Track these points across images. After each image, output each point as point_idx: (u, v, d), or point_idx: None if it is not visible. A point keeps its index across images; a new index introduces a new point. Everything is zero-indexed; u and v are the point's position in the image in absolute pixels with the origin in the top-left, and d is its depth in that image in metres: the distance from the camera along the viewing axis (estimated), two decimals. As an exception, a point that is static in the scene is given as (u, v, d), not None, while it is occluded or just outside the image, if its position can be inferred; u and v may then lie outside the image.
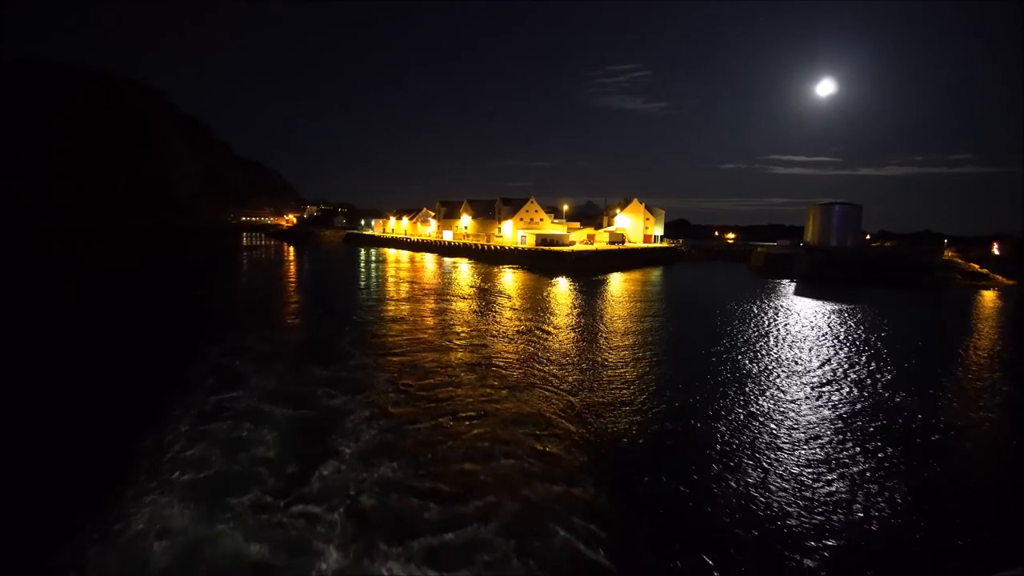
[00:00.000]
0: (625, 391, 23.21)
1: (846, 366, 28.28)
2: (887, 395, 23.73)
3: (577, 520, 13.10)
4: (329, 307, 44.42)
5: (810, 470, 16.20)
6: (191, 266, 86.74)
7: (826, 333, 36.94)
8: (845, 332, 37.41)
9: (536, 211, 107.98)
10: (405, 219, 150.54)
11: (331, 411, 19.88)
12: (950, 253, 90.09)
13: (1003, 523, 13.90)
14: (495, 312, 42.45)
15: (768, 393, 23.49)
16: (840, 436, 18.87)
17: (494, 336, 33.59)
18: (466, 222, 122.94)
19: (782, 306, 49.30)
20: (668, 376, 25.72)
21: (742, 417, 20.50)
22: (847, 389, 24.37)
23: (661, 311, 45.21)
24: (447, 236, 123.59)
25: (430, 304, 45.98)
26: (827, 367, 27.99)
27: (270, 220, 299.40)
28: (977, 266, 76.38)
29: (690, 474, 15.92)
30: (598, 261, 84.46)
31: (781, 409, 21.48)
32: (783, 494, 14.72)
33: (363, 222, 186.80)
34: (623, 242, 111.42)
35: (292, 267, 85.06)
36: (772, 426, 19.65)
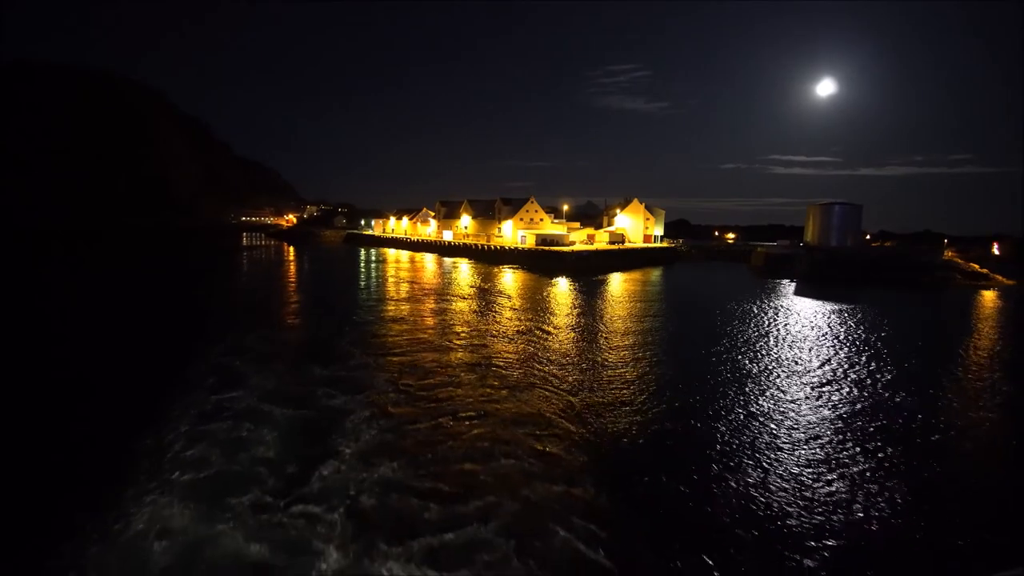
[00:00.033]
0: (625, 391, 23.22)
1: (846, 366, 28.28)
2: (887, 395, 23.73)
3: (577, 520, 13.10)
4: (329, 307, 44.42)
5: (810, 470, 16.20)
6: (191, 266, 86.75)
7: (826, 333, 36.94)
8: (845, 332, 37.41)
9: (536, 211, 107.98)
10: (405, 219, 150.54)
11: (331, 411, 19.88)
12: (950, 253, 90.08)
13: (1003, 523, 13.89)
14: (495, 312, 42.45)
15: (768, 393, 23.49)
16: (840, 436, 18.87)
17: (494, 336, 33.59)
18: (466, 222, 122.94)
19: (782, 306, 49.29)
20: (668, 376, 25.72)
21: (742, 417, 20.50)
22: (847, 389, 24.37)
23: (661, 311, 45.21)
24: (447, 236, 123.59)
25: (430, 304, 45.98)
26: (827, 367, 27.99)
27: (270, 220, 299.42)
28: (977, 266, 76.38)
29: (690, 474, 15.92)
30: (598, 261, 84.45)
31: (781, 409, 21.48)
32: (783, 494, 14.72)
33: (363, 222, 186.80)
34: (623, 242, 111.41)
35: (292, 267, 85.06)
36: (772, 426, 19.65)
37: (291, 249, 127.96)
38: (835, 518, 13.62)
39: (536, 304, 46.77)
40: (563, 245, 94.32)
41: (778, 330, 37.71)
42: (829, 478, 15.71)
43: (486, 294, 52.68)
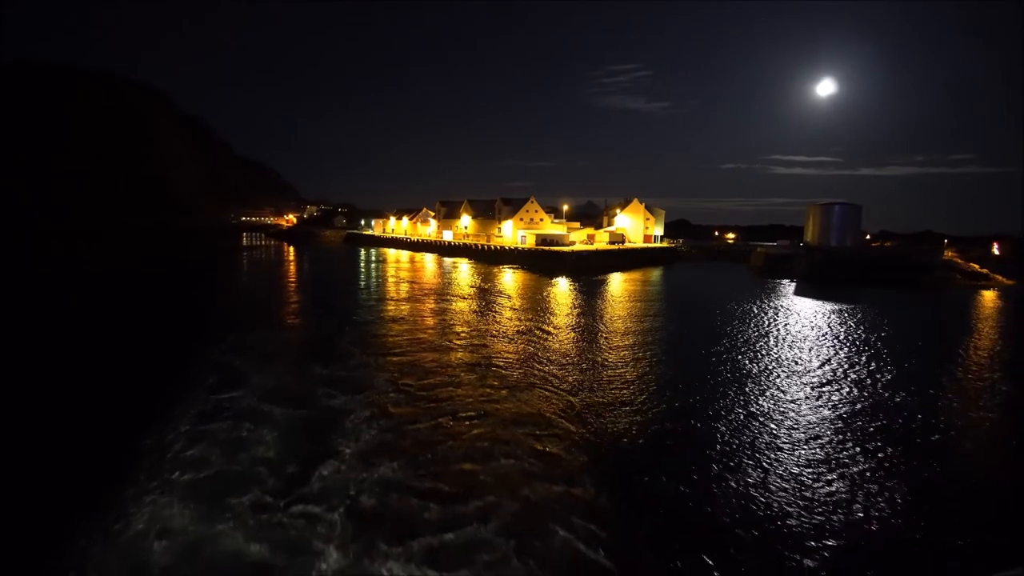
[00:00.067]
0: (625, 391, 23.22)
1: (845, 366, 28.28)
2: (887, 395, 23.73)
3: (577, 520, 13.11)
4: (329, 307, 44.43)
5: (810, 470, 16.20)
6: (191, 266, 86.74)
7: (826, 333, 36.94)
8: (845, 332, 37.41)
9: (536, 211, 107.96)
10: (405, 219, 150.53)
11: (331, 411, 19.89)
12: (950, 253, 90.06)
13: (1003, 523, 13.89)
14: (495, 312, 42.45)
15: (768, 393, 23.49)
16: (840, 436, 18.87)
17: (494, 336, 33.59)
18: (466, 222, 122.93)
19: (782, 306, 49.29)
20: (668, 376, 25.72)
21: (742, 417, 20.50)
22: (847, 389, 24.37)
23: (661, 311, 45.21)
24: (447, 236, 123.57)
25: (430, 304, 45.98)
26: (827, 367, 28.00)
27: (270, 220, 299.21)
28: (977, 266, 76.36)
29: (690, 474, 15.92)
30: (598, 261, 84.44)
31: (781, 409, 21.49)
32: (783, 494, 14.73)
33: (363, 222, 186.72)
34: (623, 242, 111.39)
35: (292, 267, 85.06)
36: (772, 426, 19.65)
37: (291, 249, 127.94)
38: (835, 518, 13.62)
39: (536, 304, 46.77)
40: (563, 245, 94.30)
41: (778, 330, 37.71)
42: (829, 478, 15.71)
43: (486, 294, 52.68)
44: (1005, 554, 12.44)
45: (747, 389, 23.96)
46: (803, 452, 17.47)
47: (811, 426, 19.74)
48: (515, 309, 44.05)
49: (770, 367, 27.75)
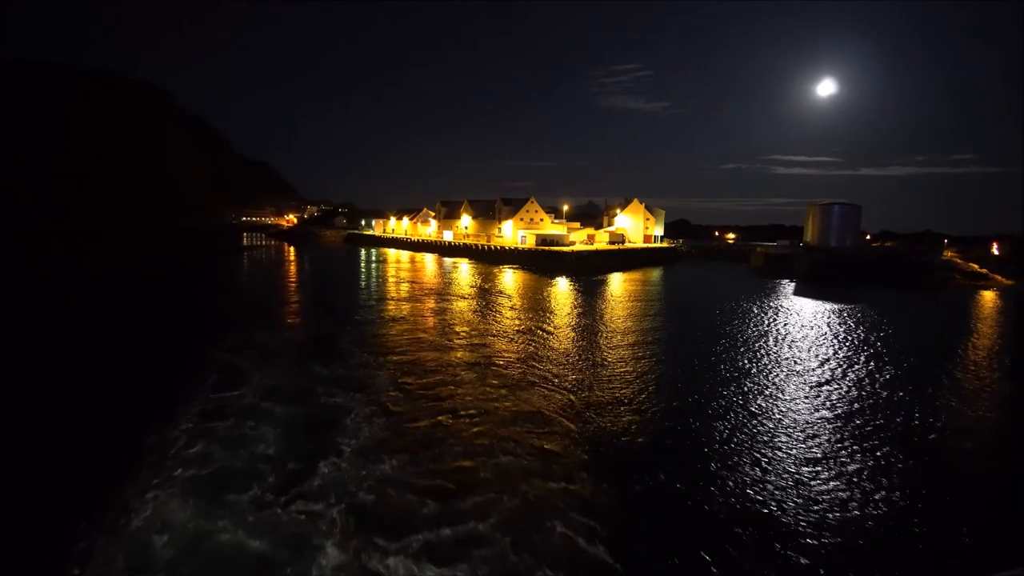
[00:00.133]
0: (624, 390, 23.28)
1: (845, 366, 28.34)
2: (886, 394, 23.78)
3: (576, 516, 13.20)
4: (330, 307, 44.51)
5: (809, 469, 16.25)
6: (191, 266, 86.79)
7: (825, 333, 37.00)
8: (844, 332, 37.48)
9: (536, 211, 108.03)
10: (405, 219, 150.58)
11: (331, 409, 19.99)
12: (950, 253, 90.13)
13: (1003, 523, 13.91)
14: (495, 312, 42.52)
15: (767, 392, 23.55)
16: (839, 436, 18.92)
17: (494, 335, 33.66)
18: (466, 222, 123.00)
19: (781, 306, 49.36)
20: (667, 375, 25.79)
21: (741, 416, 20.56)
22: (846, 389, 24.43)
23: (661, 311, 45.28)
24: (447, 236, 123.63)
25: (430, 304, 46.05)
26: (826, 367, 28.06)
27: (271, 220, 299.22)
28: (976, 266, 76.41)
29: (689, 472, 15.99)
30: (598, 261, 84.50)
31: (780, 408, 21.55)
32: (782, 493, 14.78)
33: (364, 222, 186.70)
34: (623, 242, 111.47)
35: (293, 267, 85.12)
36: (771, 425, 19.71)
37: (292, 249, 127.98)
38: (834, 517, 13.66)
39: (536, 304, 46.84)
40: (563, 245, 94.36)
41: (777, 330, 37.78)
42: (828, 477, 15.75)
43: (486, 294, 52.75)
44: (1005, 554, 12.46)
45: (746, 388, 24.02)
46: (802, 451, 17.53)
47: (810, 425, 19.79)
48: (515, 309, 44.12)
49: (769, 367, 27.82)
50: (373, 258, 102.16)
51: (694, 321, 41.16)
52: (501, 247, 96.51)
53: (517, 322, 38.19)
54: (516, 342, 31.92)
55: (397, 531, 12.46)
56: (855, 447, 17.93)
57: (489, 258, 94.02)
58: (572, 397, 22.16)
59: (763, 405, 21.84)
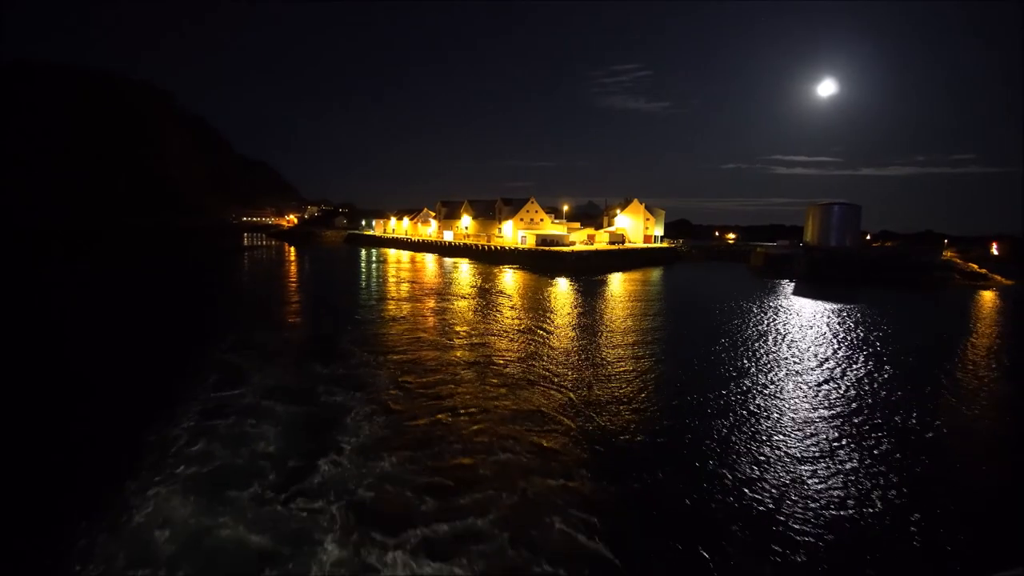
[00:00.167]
0: (624, 389, 23.33)
1: (844, 365, 28.39)
2: (885, 394, 23.81)
3: (575, 513, 13.27)
4: (330, 306, 44.56)
5: (808, 468, 16.28)
6: (192, 266, 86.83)
7: (825, 333, 37.05)
8: (844, 332, 37.53)
9: (536, 211, 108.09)
10: (406, 219, 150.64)
11: (332, 408, 20.06)
12: (950, 253, 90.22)
13: (1003, 523, 13.93)
14: (495, 311, 42.57)
15: (766, 392, 23.60)
16: (838, 435, 18.96)
17: (494, 335, 33.71)
18: (467, 222, 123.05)
19: (781, 306, 49.41)
20: (667, 375, 25.84)
21: (740, 415, 20.61)
22: (845, 388, 24.47)
23: (660, 311, 45.33)
24: (448, 236, 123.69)
25: (430, 304, 46.10)
26: (825, 366, 28.11)
27: (271, 220, 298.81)
28: (976, 266, 76.46)
29: (688, 471, 16.04)
30: (598, 261, 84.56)
31: (779, 408, 21.59)
32: (781, 492, 14.81)
33: (364, 222, 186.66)
34: (623, 242, 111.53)
35: (293, 267, 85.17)
36: (770, 424, 19.75)
37: (292, 249, 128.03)
38: (833, 517, 13.68)
39: (536, 304, 46.89)
40: (563, 245, 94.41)
41: (777, 330, 37.83)
42: (827, 477, 15.78)
43: (486, 294, 52.80)
44: (1005, 554, 12.48)
45: (745, 388, 24.07)
46: (801, 450, 17.57)
47: (809, 424, 19.84)
48: (515, 309, 44.17)
49: (769, 366, 27.86)
50: (373, 258, 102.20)
51: (694, 321, 41.21)
52: (501, 247, 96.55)
53: (517, 322, 38.23)
54: (516, 341, 31.97)
55: (397, 527, 12.53)
56: (854, 446, 17.97)
57: (489, 258, 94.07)
58: (571, 396, 22.21)
59: (762, 404, 21.89)
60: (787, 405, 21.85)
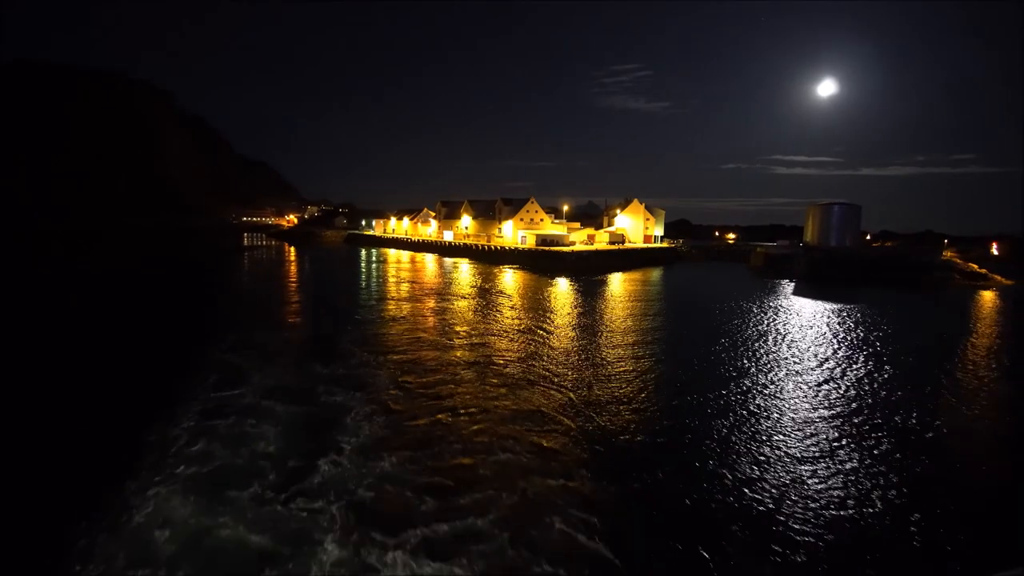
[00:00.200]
0: (624, 389, 23.34)
1: (844, 365, 28.39)
2: (885, 394, 23.82)
3: (575, 513, 13.27)
4: (330, 306, 44.57)
5: (808, 468, 16.28)
6: (192, 266, 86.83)
7: (824, 333, 37.05)
8: (844, 332, 37.53)
9: (536, 211, 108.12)
10: (406, 219, 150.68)
11: (332, 408, 20.06)
12: (950, 253, 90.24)
13: (1003, 523, 13.92)
14: (495, 311, 42.57)
15: (766, 392, 23.60)
16: (838, 435, 18.96)
17: (494, 335, 33.72)
18: (467, 222, 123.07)
19: (781, 306, 49.41)
20: (667, 375, 25.84)
21: (740, 415, 20.61)
22: (845, 388, 24.47)
23: (660, 311, 45.34)
24: (448, 236, 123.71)
25: (430, 304, 46.11)
26: (825, 366, 28.11)
27: (271, 220, 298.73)
28: (976, 266, 76.47)
29: (688, 471, 16.05)
30: (598, 261, 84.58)
31: (779, 408, 21.59)
32: (781, 492, 14.81)
33: (364, 222, 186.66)
34: (623, 242, 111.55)
35: (293, 267, 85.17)
36: (770, 424, 19.75)
37: (292, 249, 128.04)
38: (833, 517, 13.68)
39: (536, 304, 46.90)
40: (563, 245, 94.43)
41: (776, 330, 37.83)
42: (827, 476, 15.78)
43: (486, 294, 52.80)
44: (1005, 554, 12.47)
45: (745, 388, 24.07)
46: (801, 450, 17.57)
47: (809, 424, 19.84)
48: (515, 309, 44.18)
49: (768, 366, 27.87)
50: (373, 258, 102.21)
51: (694, 321, 41.21)
52: (501, 247, 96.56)
53: (517, 322, 38.24)
54: (516, 341, 31.97)
55: (397, 527, 12.53)
56: (854, 446, 17.97)
57: (489, 258, 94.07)
58: (571, 396, 22.21)
59: (762, 404, 21.89)
60: (787, 405, 21.85)
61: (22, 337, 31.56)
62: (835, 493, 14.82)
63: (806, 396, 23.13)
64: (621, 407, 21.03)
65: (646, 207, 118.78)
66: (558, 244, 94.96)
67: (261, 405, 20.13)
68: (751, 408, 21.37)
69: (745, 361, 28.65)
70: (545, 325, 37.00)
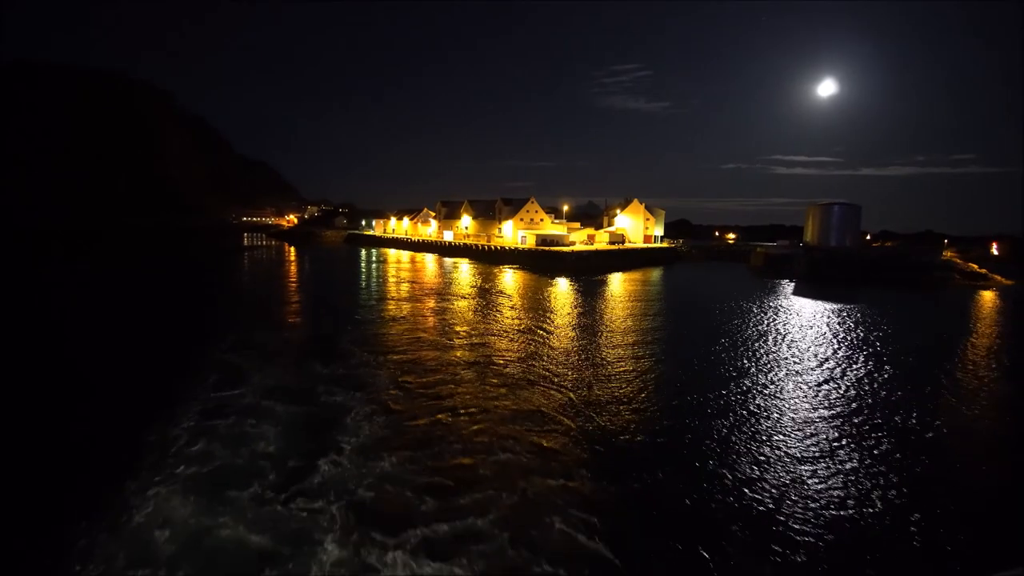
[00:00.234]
0: (624, 389, 23.34)
1: (844, 365, 28.39)
2: (884, 394, 23.81)
3: (575, 513, 13.28)
4: (330, 306, 44.56)
5: (808, 468, 16.28)
6: (192, 266, 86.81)
7: (824, 333, 37.05)
8: (844, 332, 37.53)
9: (536, 211, 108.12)
10: (406, 219, 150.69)
11: (332, 408, 20.06)
12: (949, 253, 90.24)
13: (1003, 523, 13.92)
14: (495, 311, 42.57)
15: (766, 392, 23.60)
16: (838, 435, 18.96)
17: (494, 335, 33.71)
18: (467, 222, 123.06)
19: (781, 306, 49.41)
20: (667, 375, 25.84)
21: (740, 415, 20.61)
22: (845, 388, 24.47)
23: (660, 311, 45.34)
24: (448, 236, 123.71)
25: (430, 304, 46.11)
26: (825, 366, 28.11)
27: (271, 220, 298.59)
28: (976, 266, 76.47)
29: (688, 471, 16.05)
30: (598, 261, 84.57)
31: (779, 408, 21.59)
32: (780, 492, 14.81)
33: (364, 222, 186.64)
34: (623, 242, 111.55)
35: (293, 267, 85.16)
36: (770, 424, 19.75)
37: (292, 249, 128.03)
38: (833, 516, 13.68)
39: (536, 304, 46.90)
40: (563, 245, 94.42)
41: (776, 330, 37.83)
42: (827, 477, 15.78)
43: (486, 294, 52.80)
44: (1005, 554, 12.46)
45: (745, 388, 24.07)
46: (801, 450, 17.57)
47: (809, 424, 19.84)
48: (515, 309, 44.18)
49: (768, 366, 27.87)
50: (374, 258, 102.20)
51: (694, 321, 41.20)
52: (501, 247, 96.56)
53: (517, 322, 38.24)
54: (516, 341, 31.97)
55: (397, 527, 12.53)
56: (854, 446, 17.97)
57: (489, 258, 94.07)
58: (572, 396, 22.21)
59: (762, 404, 21.89)
60: (787, 405, 21.85)
61: (22, 337, 31.56)
62: (835, 493, 14.82)
63: (806, 396, 23.12)
64: (621, 407, 21.03)
65: (646, 207, 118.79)
66: (558, 244, 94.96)
67: (261, 405, 20.13)
68: (751, 408, 21.37)
69: (745, 361, 28.65)
70: (545, 325, 37.00)
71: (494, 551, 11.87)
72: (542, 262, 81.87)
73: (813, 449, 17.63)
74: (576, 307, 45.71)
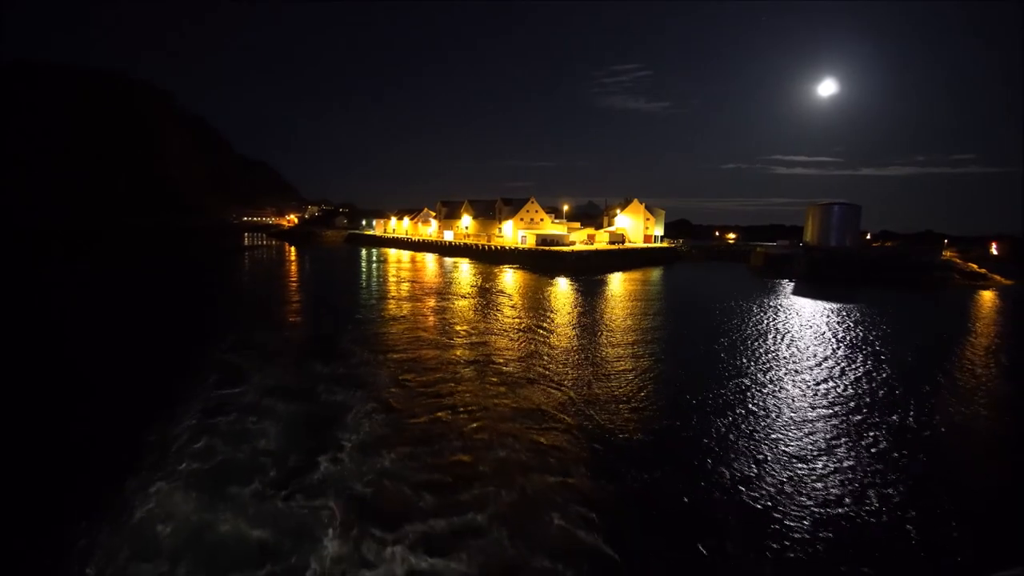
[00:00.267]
0: (623, 388, 23.36)
1: (843, 365, 28.41)
2: (884, 393, 23.83)
3: (574, 510, 13.32)
4: (330, 306, 44.58)
5: (807, 467, 16.30)
6: (192, 266, 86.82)
7: (824, 332, 37.07)
8: (843, 331, 37.55)
9: (536, 211, 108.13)
10: (406, 219, 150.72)
11: (332, 406, 20.10)
12: (949, 253, 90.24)
13: (1003, 522, 13.93)
14: (495, 311, 42.59)
15: (766, 391, 23.62)
16: (837, 434, 18.98)
17: (494, 334, 33.74)
18: (467, 222, 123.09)
19: (780, 305, 49.43)
20: (666, 374, 25.86)
21: (740, 415, 20.64)
22: (844, 387, 24.49)
23: (660, 310, 45.35)
24: (448, 236, 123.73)
25: (431, 303, 46.12)
26: (824, 366, 28.13)
27: (272, 220, 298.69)
28: (976, 266, 76.46)
29: (687, 469, 16.08)
30: (598, 261, 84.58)
31: (778, 407, 21.61)
32: (780, 491, 14.83)
33: (364, 222, 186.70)
34: (623, 242, 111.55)
35: (294, 267, 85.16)
36: (769, 424, 19.78)
37: (292, 249, 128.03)
38: (832, 516, 13.69)
39: (536, 303, 46.92)
40: (563, 245, 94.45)
41: (776, 329, 37.84)
42: (826, 476, 15.80)
43: (486, 293, 52.82)
44: (1005, 554, 12.47)
45: (745, 387, 24.10)
46: (800, 450, 17.59)
47: (808, 423, 19.86)
48: (515, 308, 44.20)
49: (768, 366, 27.89)
50: (374, 258, 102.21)
51: (694, 321, 41.22)
52: (501, 247, 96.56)
53: (517, 321, 38.26)
54: (516, 340, 31.99)
55: (396, 523, 12.59)
56: (854, 446, 17.98)
57: (489, 258, 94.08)
58: (571, 394, 22.23)
59: (762, 403, 21.91)
60: (786, 404, 21.87)
61: (22, 337, 31.59)
62: (834, 492, 14.83)
63: (806, 395, 23.14)
64: (620, 406, 21.06)
65: (646, 207, 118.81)
66: (558, 244, 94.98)
67: (262, 403, 20.17)
68: (751, 407, 21.39)
69: (744, 360, 28.67)
70: (545, 324, 37.02)
71: (493, 547, 11.90)
72: (542, 262, 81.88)
73: (812, 448, 17.65)
74: (576, 307, 45.73)
